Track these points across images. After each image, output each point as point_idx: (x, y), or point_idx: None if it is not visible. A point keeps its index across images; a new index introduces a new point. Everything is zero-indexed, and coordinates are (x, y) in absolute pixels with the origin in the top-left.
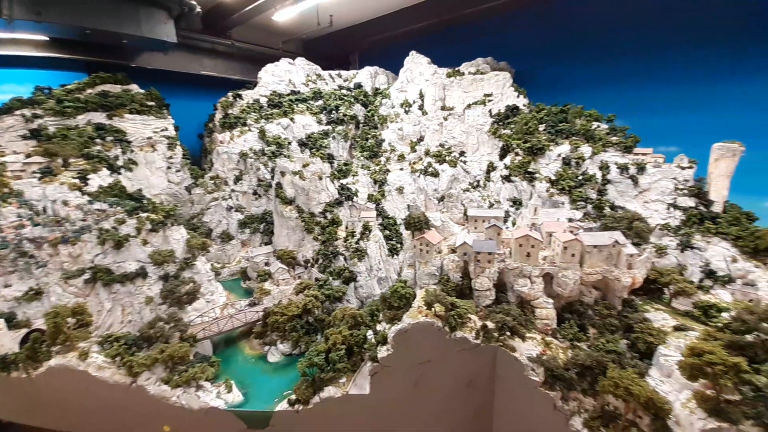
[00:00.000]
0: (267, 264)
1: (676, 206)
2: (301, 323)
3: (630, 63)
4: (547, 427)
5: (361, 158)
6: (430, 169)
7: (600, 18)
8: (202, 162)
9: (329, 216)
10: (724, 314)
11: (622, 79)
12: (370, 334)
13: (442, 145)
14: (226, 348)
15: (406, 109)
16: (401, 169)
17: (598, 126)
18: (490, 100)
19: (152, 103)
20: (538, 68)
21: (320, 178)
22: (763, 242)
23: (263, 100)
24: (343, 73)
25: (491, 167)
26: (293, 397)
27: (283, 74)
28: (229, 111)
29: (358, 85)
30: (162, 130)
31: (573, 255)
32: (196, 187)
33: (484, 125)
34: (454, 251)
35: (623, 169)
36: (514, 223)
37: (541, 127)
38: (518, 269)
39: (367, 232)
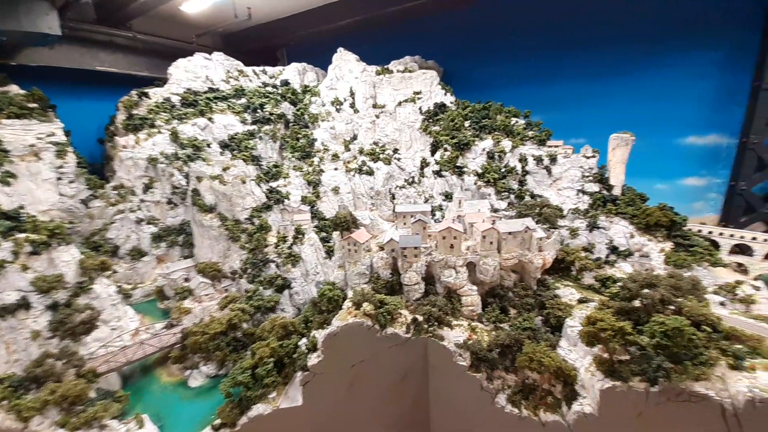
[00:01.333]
0: (187, 280)
1: (583, 192)
2: (226, 340)
3: (542, 63)
4: (477, 407)
5: (293, 159)
6: (365, 168)
7: (515, 22)
8: (105, 170)
9: (257, 222)
10: (618, 284)
11: (536, 77)
12: (303, 342)
13: (376, 143)
14: (141, 378)
15: (338, 107)
16: (336, 169)
17: (516, 121)
18: (419, 98)
19: (35, 105)
20: (463, 67)
21: (244, 182)
22: (653, 218)
23: (175, 99)
24: (269, 69)
25: (424, 163)
26: (218, 421)
27: (199, 70)
28: (134, 111)
29: (286, 83)
30: (48, 136)
31: (491, 243)
32: (94, 199)
33: (415, 122)
34: (382, 249)
35: (539, 160)
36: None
37: (467, 124)
38: (444, 261)
39: (301, 236)
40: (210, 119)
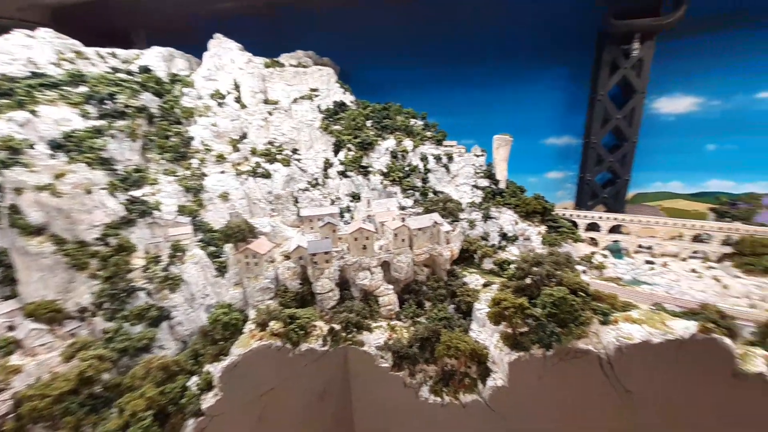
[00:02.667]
0: (11, 328)
1: (477, 187)
2: (78, 400)
3: (437, 71)
4: (402, 404)
5: (162, 161)
6: (260, 170)
7: (412, 30)
8: None
9: (113, 242)
10: (512, 266)
11: (431, 83)
12: (192, 381)
13: (271, 143)
14: None
15: (219, 101)
16: (222, 172)
17: (415, 122)
18: (317, 95)
19: None
20: (361, 68)
21: (89, 192)
22: (530, 207)
23: None
24: (120, 52)
25: (328, 164)
26: None
27: (18, 50)
28: None
29: (146, 69)
30: None
31: (403, 240)
32: None
33: (315, 121)
34: (288, 257)
35: (438, 159)
36: (353, 218)
37: (368, 123)
38: (358, 263)
39: (181, 254)
40: (33, 112)
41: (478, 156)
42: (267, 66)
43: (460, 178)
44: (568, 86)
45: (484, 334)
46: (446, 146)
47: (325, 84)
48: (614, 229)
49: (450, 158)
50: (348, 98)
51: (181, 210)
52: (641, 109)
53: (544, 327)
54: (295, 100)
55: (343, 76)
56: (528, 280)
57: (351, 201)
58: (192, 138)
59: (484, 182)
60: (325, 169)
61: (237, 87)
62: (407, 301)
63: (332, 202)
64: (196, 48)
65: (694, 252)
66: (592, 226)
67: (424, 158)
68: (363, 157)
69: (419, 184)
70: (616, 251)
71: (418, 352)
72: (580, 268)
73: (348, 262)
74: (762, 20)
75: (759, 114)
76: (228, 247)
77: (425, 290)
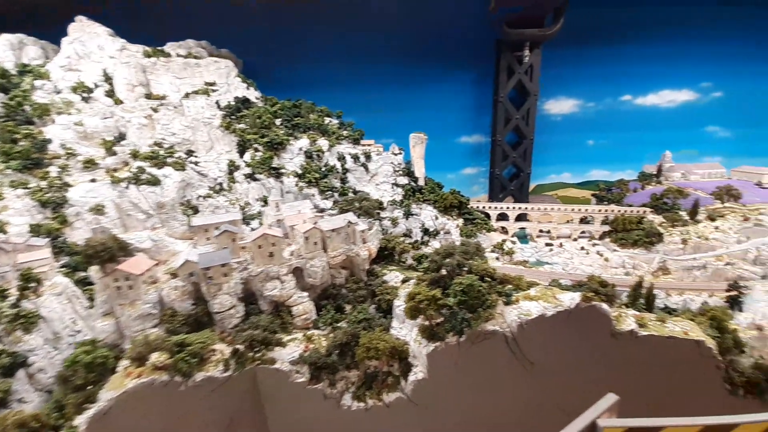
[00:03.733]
0: None
1: (397, 184)
2: None
3: (351, 69)
4: (324, 418)
5: (8, 171)
6: (144, 176)
7: (324, 27)
8: None
9: None
10: (448, 259)
11: (346, 82)
12: None
13: (159, 144)
14: None
15: (84, 95)
16: (93, 180)
17: (330, 121)
18: (214, 90)
19: None
20: (268, 63)
21: None
22: (447, 202)
23: None
24: None
25: (233, 166)
26: None
27: None
28: None
29: None
30: None
31: (315, 243)
32: None
33: (214, 119)
34: (175, 275)
35: (356, 158)
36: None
37: (278, 122)
38: (264, 273)
39: (36, 284)
40: None
41: (396, 154)
42: (147, 55)
43: (380, 177)
44: (476, 89)
45: (405, 329)
46: (364, 145)
47: (223, 78)
48: (520, 218)
49: (368, 157)
50: (253, 94)
51: (35, 230)
52: (535, 110)
53: (456, 315)
54: (187, 95)
55: (249, 71)
56: (443, 272)
57: (262, 206)
58: (49, 141)
59: (404, 180)
60: (231, 172)
61: (108, 79)
62: (325, 307)
63: (242, 208)
64: (56, 36)
65: (582, 232)
66: (502, 216)
67: (341, 158)
68: (273, 158)
69: (338, 184)
70: (523, 237)
71: (338, 360)
72: (493, 255)
73: (252, 273)
74: (621, 38)
75: (623, 114)
76: (93, 270)
77: (345, 293)
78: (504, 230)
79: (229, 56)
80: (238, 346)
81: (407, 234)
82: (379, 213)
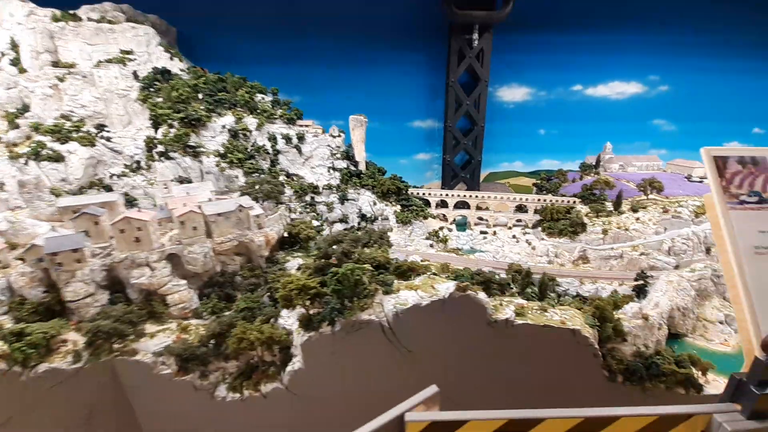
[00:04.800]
0: None
1: (334, 168)
2: None
3: (296, 45)
4: (196, 409)
5: None
6: (45, 152)
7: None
8: None
9: None
10: (335, 246)
11: (290, 59)
12: None
13: (66, 117)
14: None
15: None
16: None
17: (263, 98)
18: (131, 59)
19: None
20: (208, 34)
21: None
22: (386, 187)
23: None
24: None
25: (152, 143)
26: None
27: None
28: None
29: None
30: None
31: (195, 228)
32: None
33: (130, 91)
34: (23, 260)
35: (288, 139)
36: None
37: (200, 96)
38: (129, 259)
39: None
40: None
41: (335, 137)
42: (56, 19)
43: (315, 160)
44: (428, 72)
45: (292, 319)
46: (301, 126)
47: (143, 46)
48: (461, 205)
49: (301, 138)
50: (177, 65)
51: None
52: (486, 96)
53: (329, 304)
54: (98, 64)
55: (184, 41)
56: (333, 259)
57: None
58: None
59: (342, 164)
60: (150, 149)
61: (15, 46)
62: (208, 295)
63: (166, 188)
64: None
65: (518, 221)
66: (443, 203)
67: (272, 138)
68: (190, 135)
69: (266, 166)
70: (461, 225)
71: (213, 350)
72: (427, 242)
73: (116, 260)
74: (575, 26)
75: (574, 104)
76: None
77: (238, 281)
78: (444, 217)
79: (159, 23)
80: (92, 337)
81: (343, 219)
82: (305, 198)
